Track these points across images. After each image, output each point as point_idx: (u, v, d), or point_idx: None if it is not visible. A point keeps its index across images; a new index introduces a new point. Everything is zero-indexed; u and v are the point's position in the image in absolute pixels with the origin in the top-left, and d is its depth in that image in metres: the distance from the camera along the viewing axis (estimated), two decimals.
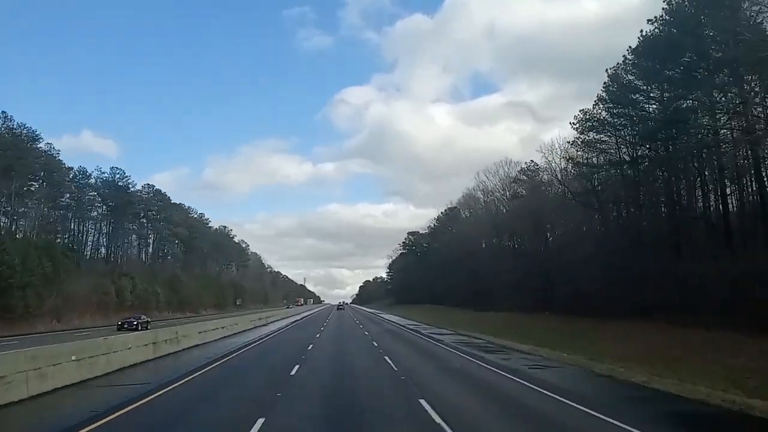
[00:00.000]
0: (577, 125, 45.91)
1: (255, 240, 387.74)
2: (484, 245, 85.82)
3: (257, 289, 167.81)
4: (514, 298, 61.61)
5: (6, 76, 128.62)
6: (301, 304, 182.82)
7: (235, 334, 31.77)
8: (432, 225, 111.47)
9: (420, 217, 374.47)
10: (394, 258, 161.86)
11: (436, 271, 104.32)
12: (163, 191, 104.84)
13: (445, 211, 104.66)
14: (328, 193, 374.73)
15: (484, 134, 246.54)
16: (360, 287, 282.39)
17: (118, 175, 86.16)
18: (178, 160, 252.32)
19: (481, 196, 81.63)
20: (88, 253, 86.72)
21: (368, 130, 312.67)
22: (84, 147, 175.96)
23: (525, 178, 62.41)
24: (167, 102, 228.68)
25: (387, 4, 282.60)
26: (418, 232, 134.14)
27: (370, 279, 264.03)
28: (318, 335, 32.03)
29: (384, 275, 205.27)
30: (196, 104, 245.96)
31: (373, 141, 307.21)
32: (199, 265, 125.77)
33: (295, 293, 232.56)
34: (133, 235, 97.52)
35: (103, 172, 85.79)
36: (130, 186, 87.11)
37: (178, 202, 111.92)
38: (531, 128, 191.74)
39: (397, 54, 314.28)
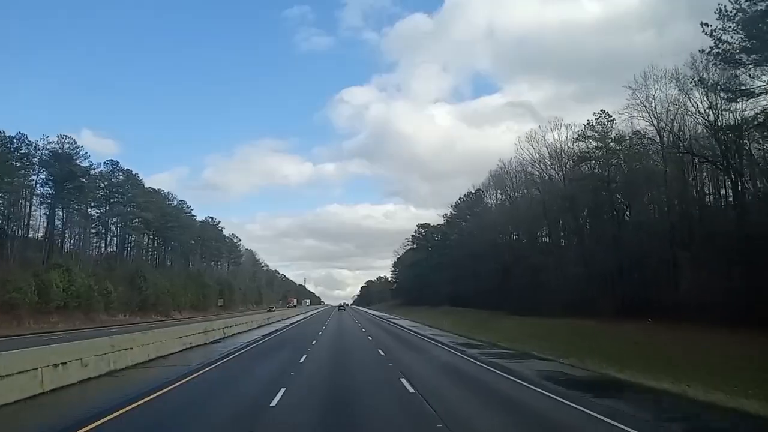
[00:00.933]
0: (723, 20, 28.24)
1: (255, 240, 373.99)
2: (519, 233, 68.13)
3: (250, 288, 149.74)
4: (576, 299, 44.03)
5: (5, 75, 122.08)
6: (294, 305, 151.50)
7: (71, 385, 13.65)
8: (449, 213, 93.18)
9: (421, 217, 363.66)
10: (400, 255, 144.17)
11: (454, 268, 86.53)
12: (134, 172, 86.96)
13: (466, 195, 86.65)
14: (328, 194, 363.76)
15: (485, 135, 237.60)
16: (362, 287, 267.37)
17: (67, 145, 68.23)
18: (178, 160, 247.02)
19: (517, 171, 63.89)
20: (35, 238, 68.92)
21: (368, 131, 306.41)
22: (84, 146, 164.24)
23: (593, 134, 44.54)
24: (167, 102, 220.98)
25: (387, 3, 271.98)
26: (429, 224, 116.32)
27: (373, 279, 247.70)
28: (274, 401, 11.38)
29: (388, 275, 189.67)
30: (196, 104, 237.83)
31: (374, 141, 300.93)
32: (181, 260, 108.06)
33: (294, 293, 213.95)
34: (96, 224, 79.53)
35: (51, 142, 67.89)
36: (77, 158, 68.76)
37: (156, 189, 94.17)
38: (531, 129, 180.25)
39: (398, 54, 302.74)
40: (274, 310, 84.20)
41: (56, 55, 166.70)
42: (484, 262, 74.31)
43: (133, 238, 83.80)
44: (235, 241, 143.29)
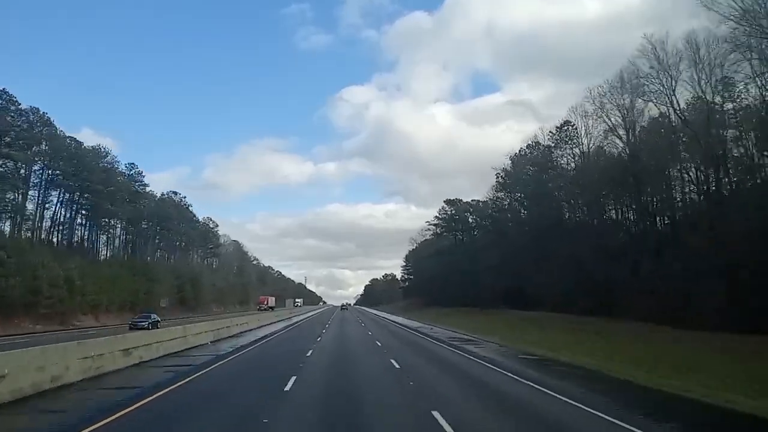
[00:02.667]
0: None
1: (256, 240, 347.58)
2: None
3: (234, 285, 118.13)
4: None
5: (6, 75, 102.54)
6: (267, 308, 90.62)
7: None
8: (505, 168, 60.43)
9: (421, 217, 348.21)
10: (416, 245, 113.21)
11: (512, 253, 55.67)
12: (49, 117, 55.99)
13: (534, 143, 55.32)
14: (329, 193, 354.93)
15: (485, 134, 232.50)
16: (365, 286, 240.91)
17: None
18: (178, 160, 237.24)
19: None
20: None
21: (369, 130, 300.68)
22: None
23: None
24: (167, 102, 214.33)
25: (385, 1, 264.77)
26: (461, 200, 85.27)
27: (378, 277, 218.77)
28: None
29: (397, 272, 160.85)
30: (196, 104, 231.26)
31: (374, 141, 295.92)
32: (130, 247, 77.18)
33: (293, 293, 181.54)
34: None
35: None
36: None
37: (79, 140, 63.01)
38: (532, 128, 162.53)
39: (398, 52, 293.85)
40: (145, 325, 34.16)
41: (56, 55, 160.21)
42: (582, 243, 43.71)
43: (11, 198, 52.02)
44: (211, 226, 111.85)
